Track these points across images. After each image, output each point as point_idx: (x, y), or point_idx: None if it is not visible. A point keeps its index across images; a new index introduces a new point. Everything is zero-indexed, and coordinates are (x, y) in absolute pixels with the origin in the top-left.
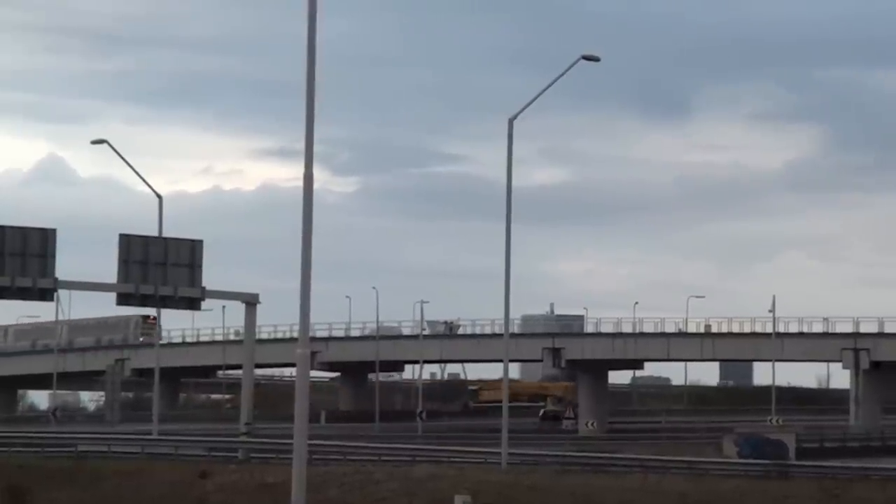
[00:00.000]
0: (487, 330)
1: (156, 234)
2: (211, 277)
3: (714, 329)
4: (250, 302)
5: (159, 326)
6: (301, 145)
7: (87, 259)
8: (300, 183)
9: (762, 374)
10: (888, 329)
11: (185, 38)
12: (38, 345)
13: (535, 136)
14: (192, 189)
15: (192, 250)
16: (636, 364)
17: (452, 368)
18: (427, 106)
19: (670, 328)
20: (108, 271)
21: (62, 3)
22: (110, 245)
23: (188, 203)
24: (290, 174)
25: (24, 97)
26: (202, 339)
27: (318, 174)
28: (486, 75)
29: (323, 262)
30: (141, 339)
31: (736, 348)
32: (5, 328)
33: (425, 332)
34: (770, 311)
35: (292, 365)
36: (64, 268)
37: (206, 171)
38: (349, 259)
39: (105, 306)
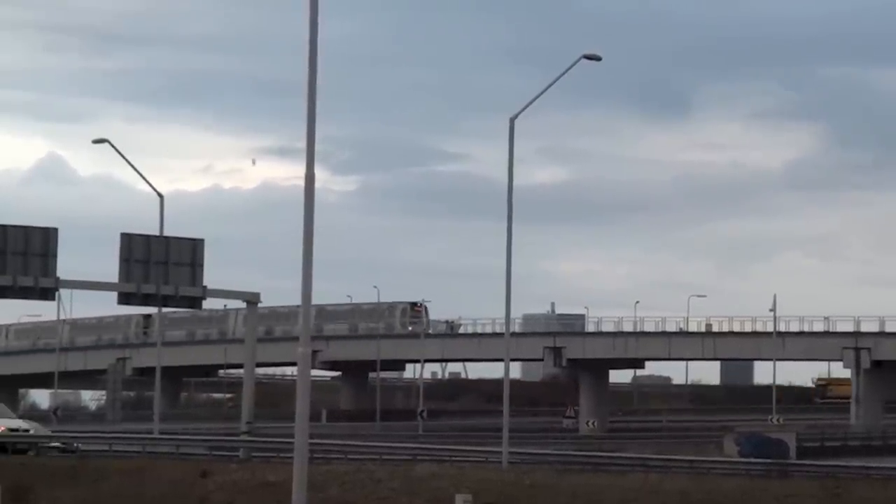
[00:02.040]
0: (488, 329)
1: (155, 232)
2: (210, 276)
3: (715, 328)
4: (251, 301)
5: (426, 315)
6: (300, 144)
7: (87, 258)
8: (299, 182)
9: (763, 373)
10: (889, 328)
11: (184, 37)
12: (275, 331)
13: (534, 135)
14: (192, 188)
15: (193, 249)
16: (637, 363)
17: (453, 368)
18: (427, 105)
19: (671, 327)
20: (108, 270)
21: (62, 1)
22: (110, 244)
23: (188, 202)
24: (289, 173)
25: (24, 96)
26: (203, 338)
27: (318, 173)
28: (487, 74)
29: (323, 261)
30: (410, 328)
31: (737, 347)
32: (234, 311)
33: (426, 332)
34: (771, 310)
35: (294, 364)
36: (63, 267)
37: (206, 169)
38: (350, 258)
39: (104, 306)
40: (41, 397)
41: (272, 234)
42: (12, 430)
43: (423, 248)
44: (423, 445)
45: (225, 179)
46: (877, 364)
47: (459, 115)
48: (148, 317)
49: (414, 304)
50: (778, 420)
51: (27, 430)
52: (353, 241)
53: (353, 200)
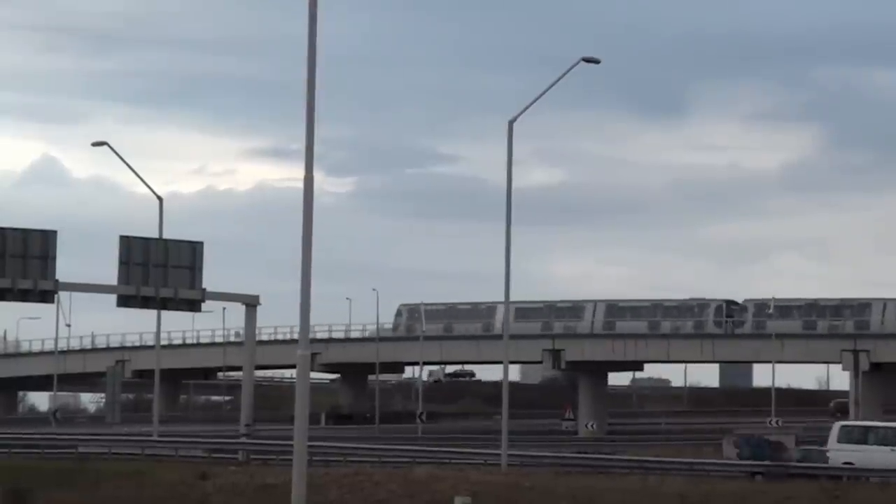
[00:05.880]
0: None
1: (150, 234)
2: (205, 278)
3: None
4: (250, 304)
5: None
6: (295, 145)
7: (83, 260)
8: (294, 183)
9: (762, 375)
10: (888, 330)
11: (178, 38)
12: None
13: (531, 136)
14: (186, 189)
15: (192, 252)
16: (636, 366)
17: (452, 370)
18: (424, 106)
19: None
20: (104, 272)
21: (57, 2)
22: (106, 246)
23: (182, 203)
24: (284, 174)
25: (18, 97)
26: (202, 340)
27: (314, 174)
28: (483, 75)
29: (320, 262)
30: None
31: (736, 350)
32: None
33: (425, 334)
34: (770, 312)
35: (292, 366)
36: (59, 269)
37: (200, 171)
38: (348, 260)
39: (104, 309)
40: (40, 399)
41: (267, 236)
42: None
43: (420, 249)
44: (423, 448)
45: (219, 181)
46: (876, 367)
47: (455, 117)
48: (733, 303)
49: None
50: (777, 422)
51: None
52: (351, 243)
53: (349, 202)
